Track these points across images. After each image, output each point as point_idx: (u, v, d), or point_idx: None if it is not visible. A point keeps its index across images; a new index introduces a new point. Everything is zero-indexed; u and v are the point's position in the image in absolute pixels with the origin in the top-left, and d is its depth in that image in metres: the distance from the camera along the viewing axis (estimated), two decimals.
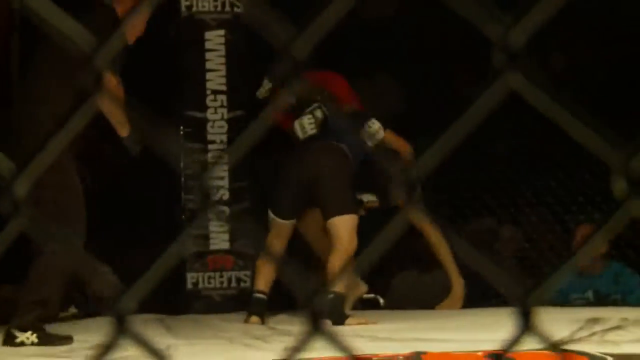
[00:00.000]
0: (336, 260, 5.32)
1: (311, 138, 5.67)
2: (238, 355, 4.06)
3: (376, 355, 3.72)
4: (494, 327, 4.93)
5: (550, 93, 0.73)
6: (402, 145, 6.03)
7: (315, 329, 0.83)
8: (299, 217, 5.67)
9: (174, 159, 0.92)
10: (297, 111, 5.73)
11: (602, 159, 0.74)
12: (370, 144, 5.73)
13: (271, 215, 5.66)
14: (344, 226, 5.38)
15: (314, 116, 5.72)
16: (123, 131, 4.75)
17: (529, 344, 0.89)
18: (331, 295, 5.21)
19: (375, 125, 5.78)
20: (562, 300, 6.38)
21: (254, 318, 5.46)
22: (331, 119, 5.65)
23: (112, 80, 4.67)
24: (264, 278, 5.48)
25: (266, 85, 5.79)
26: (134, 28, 4.98)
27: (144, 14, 4.95)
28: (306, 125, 5.71)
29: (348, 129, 5.56)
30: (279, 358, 3.45)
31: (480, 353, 3.82)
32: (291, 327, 5.22)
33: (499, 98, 0.75)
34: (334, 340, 0.84)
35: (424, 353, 3.60)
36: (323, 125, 5.69)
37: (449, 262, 6.09)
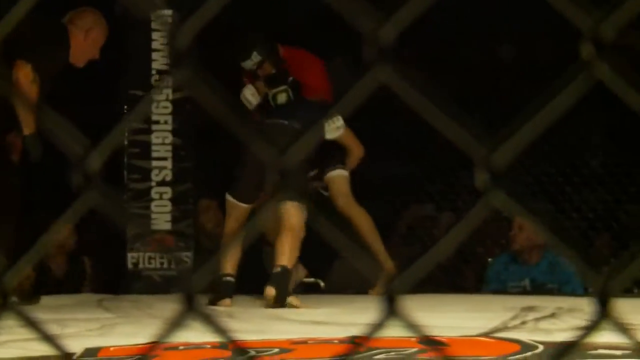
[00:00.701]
0: (286, 239, 5.40)
1: (272, 122, 5.72)
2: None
3: (312, 339, 3.75)
4: (430, 312, 4.99)
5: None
6: (355, 146, 6.13)
7: (190, 308, 0.85)
8: (257, 200, 5.70)
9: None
10: (267, 83, 5.85)
11: (465, 152, 0.77)
12: (329, 137, 5.82)
13: (230, 199, 5.71)
14: (295, 209, 5.44)
15: (276, 97, 5.81)
16: (26, 129, 4.68)
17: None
18: (278, 269, 5.28)
19: (339, 122, 5.88)
20: (500, 288, 6.46)
21: (226, 301, 5.46)
22: (295, 104, 5.75)
23: (26, 74, 4.63)
24: (230, 261, 5.49)
25: (255, 58, 5.85)
26: (85, 53, 4.98)
27: (98, 40, 4.97)
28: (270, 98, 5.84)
29: (311, 117, 5.60)
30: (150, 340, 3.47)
31: (414, 338, 3.85)
32: (236, 309, 5.24)
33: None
34: (209, 321, 0.85)
35: (358, 337, 3.62)
36: (283, 107, 5.79)
37: (378, 246, 6.14)
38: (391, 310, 0.80)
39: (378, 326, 0.80)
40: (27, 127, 4.66)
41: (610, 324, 0.78)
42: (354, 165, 6.24)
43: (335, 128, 5.90)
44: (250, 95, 5.93)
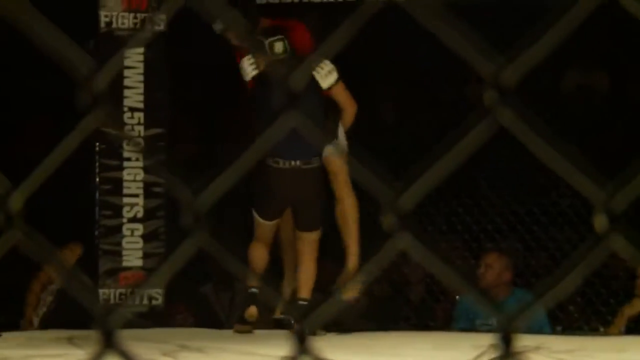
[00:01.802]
0: (311, 269, 5.70)
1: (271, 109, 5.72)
2: None
3: None
4: (399, 349, 5.01)
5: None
6: (349, 102, 6.03)
7: (108, 345, 0.85)
8: (280, 217, 5.90)
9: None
10: (265, 33, 5.91)
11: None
12: (323, 86, 5.80)
13: (255, 215, 5.86)
14: (313, 241, 5.67)
15: (273, 46, 5.83)
16: None
17: None
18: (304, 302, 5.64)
19: (328, 65, 5.83)
20: (469, 326, 6.48)
21: (252, 309, 5.64)
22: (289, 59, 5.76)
23: None
24: (255, 275, 5.71)
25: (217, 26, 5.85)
26: None
27: None
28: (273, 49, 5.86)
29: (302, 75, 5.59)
30: None
31: None
32: (208, 343, 5.23)
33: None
34: (127, 358, 0.85)
35: None
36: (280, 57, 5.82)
37: (352, 239, 6.02)
38: (302, 349, 0.80)
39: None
40: None
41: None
42: (349, 123, 6.11)
43: (327, 73, 5.85)
44: (248, 65, 5.94)
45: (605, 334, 6.59)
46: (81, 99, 0.91)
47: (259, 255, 5.73)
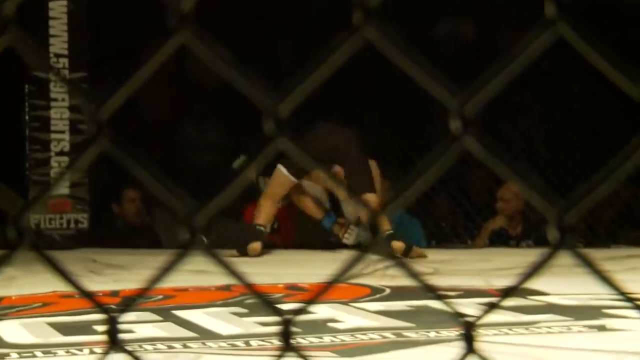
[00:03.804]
0: None
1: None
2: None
3: (192, 287, 3.78)
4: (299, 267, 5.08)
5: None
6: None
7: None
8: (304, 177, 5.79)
9: None
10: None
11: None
12: None
13: (282, 168, 5.71)
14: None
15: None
16: None
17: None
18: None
19: None
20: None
21: (257, 244, 5.56)
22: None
23: None
24: (265, 215, 5.68)
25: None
26: None
27: None
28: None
29: None
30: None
31: (281, 285, 3.93)
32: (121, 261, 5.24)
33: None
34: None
35: (232, 285, 3.67)
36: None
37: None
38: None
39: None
40: None
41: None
42: None
43: None
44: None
45: (473, 246, 6.74)
46: None
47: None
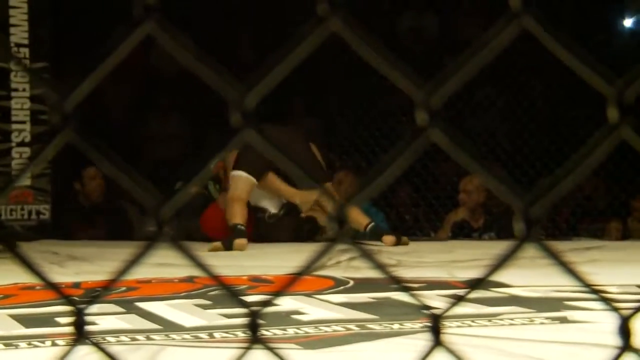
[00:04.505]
0: None
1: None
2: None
3: (155, 279, 3.77)
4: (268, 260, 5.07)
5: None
6: None
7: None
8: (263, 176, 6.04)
9: None
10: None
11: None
12: None
13: (239, 172, 5.98)
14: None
15: None
16: None
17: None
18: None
19: None
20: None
21: (242, 240, 5.73)
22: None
23: None
24: (240, 216, 5.88)
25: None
26: None
27: None
28: None
29: None
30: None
31: (245, 277, 3.93)
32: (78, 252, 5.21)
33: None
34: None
35: (195, 277, 3.67)
36: None
37: None
38: None
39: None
40: None
41: None
42: None
43: None
44: None
45: (436, 238, 6.78)
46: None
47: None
